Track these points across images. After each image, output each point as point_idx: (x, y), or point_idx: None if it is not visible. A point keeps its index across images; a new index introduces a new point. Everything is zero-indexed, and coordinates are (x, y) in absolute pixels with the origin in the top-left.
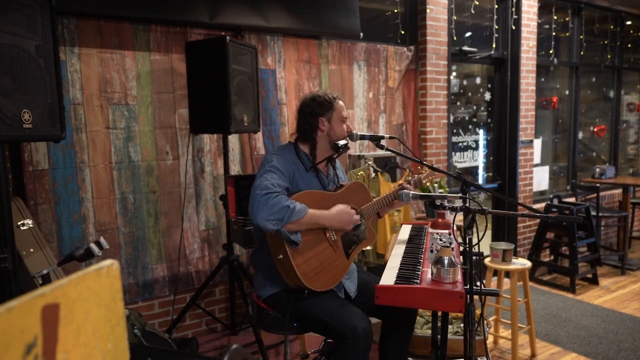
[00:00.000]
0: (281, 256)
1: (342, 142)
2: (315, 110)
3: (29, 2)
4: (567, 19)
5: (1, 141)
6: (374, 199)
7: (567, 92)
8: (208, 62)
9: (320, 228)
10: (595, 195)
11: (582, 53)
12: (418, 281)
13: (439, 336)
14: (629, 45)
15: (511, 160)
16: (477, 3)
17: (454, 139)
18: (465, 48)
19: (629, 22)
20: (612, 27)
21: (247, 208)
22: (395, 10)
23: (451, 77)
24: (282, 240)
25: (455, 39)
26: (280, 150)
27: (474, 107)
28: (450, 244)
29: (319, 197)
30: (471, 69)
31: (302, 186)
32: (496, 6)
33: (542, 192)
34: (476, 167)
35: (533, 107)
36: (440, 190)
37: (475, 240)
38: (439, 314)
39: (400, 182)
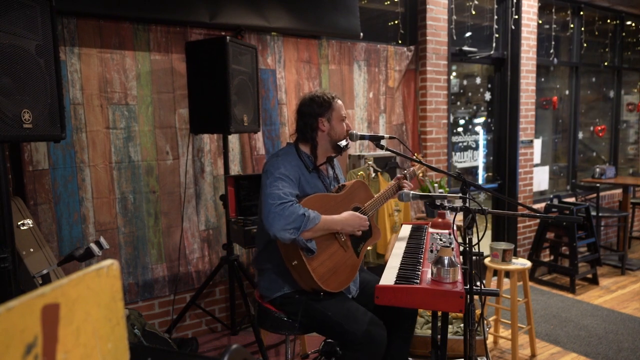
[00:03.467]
0: (296, 262)
1: (343, 143)
2: (314, 111)
3: (29, 2)
4: (567, 19)
5: (1, 141)
6: (375, 196)
7: (567, 92)
8: (208, 62)
9: None
10: (595, 195)
11: (582, 53)
12: (418, 281)
13: (439, 336)
14: (629, 46)
15: (511, 160)
16: (477, 3)
17: (454, 139)
18: (465, 48)
19: (629, 22)
20: (612, 27)
21: (247, 208)
22: (396, 10)
23: (451, 77)
24: (295, 246)
25: (455, 39)
26: (283, 154)
27: (474, 107)
28: (450, 244)
29: (325, 199)
30: (471, 69)
31: (307, 189)
32: (496, 6)
33: (542, 192)
34: (476, 167)
35: (533, 107)
36: (440, 190)
37: (475, 240)
38: (439, 314)
39: (398, 176)
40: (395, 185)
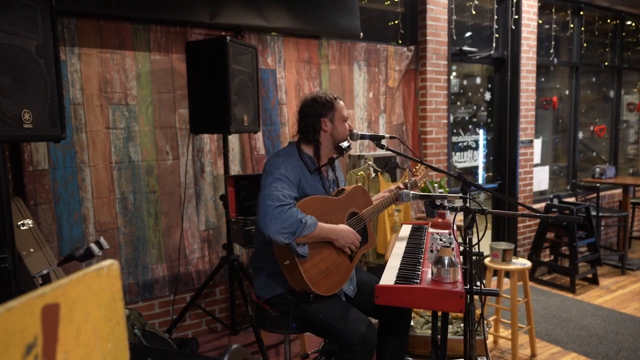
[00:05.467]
0: (288, 262)
1: (345, 144)
2: (317, 111)
3: (29, 2)
4: (567, 19)
5: (1, 141)
6: (374, 202)
7: (567, 92)
8: (208, 62)
9: None
10: (595, 195)
11: (582, 53)
12: (418, 281)
13: (439, 336)
14: (629, 46)
15: (511, 160)
16: (477, 3)
17: (454, 139)
18: (465, 48)
19: (629, 22)
20: (612, 27)
21: (247, 208)
22: (396, 10)
23: (451, 77)
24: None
25: (455, 39)
26: (285, 154)
27: (474, 107)
28: (450, 244)
29: (323, 202)
30: (471, 69)
31: (307, 190)
32: (496, 6)
33: (542, 192)
34: (476, 167)
35: (533, 107)
36: (440, 190)
37: (475, 240)
38: (439, 314)
39: (399, 184)
40: (394, 195)
